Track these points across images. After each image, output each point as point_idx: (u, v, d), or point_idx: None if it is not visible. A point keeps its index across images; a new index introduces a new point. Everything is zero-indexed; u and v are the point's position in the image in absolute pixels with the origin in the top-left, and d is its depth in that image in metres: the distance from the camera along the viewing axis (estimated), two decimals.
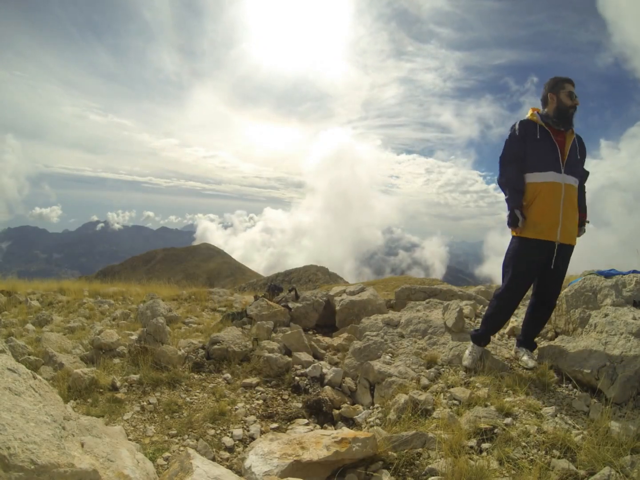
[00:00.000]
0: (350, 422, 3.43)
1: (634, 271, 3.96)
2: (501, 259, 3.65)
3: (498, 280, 4.24)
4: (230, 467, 2.64)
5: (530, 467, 2.23)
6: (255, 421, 3.41)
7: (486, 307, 5.14)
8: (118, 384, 3.85)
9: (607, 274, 3.96)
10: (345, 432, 2.63)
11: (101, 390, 3.74)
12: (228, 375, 4.29)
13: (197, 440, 3.02)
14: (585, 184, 3.66)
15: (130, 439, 2.92)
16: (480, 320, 4.63)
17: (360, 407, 3.66)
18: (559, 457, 2.33)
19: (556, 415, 2.79)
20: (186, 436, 3.11)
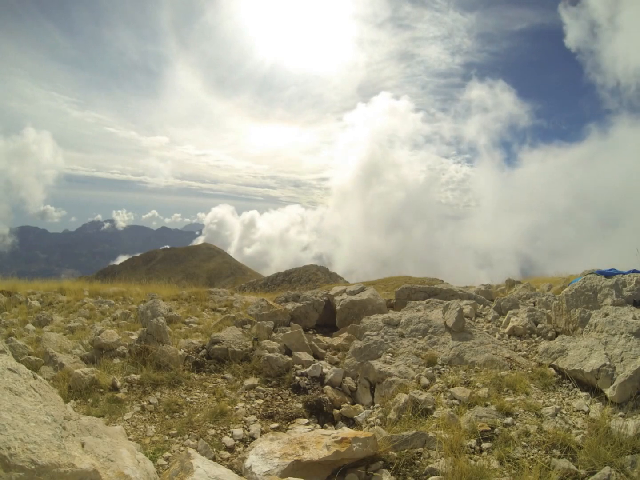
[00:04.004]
0: (351, 422, 3.44)
1: (634, 271, 3.97)
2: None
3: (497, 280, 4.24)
4: (230, 467, 2.64)
5: (531, 466, 2.23)
6: (255, 421, 3.41)
7: (486, 307, 5.12)
8: (118, 383, 3.85)
9: (607, 274, 3.96)
10: (345, 431, 2.63)
11: (101, 390, 3.75)
12: (228, 375, 4.29)
13: (197, 440, 3.03)
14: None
15: (130, 439, 2.92)
16: (480, 319, 4.61)
17: (361, 407, 3.67)
18: (559, 457, 2.34)
19: (556, 415, 2.80)
20: (186, 436, 3.12)
